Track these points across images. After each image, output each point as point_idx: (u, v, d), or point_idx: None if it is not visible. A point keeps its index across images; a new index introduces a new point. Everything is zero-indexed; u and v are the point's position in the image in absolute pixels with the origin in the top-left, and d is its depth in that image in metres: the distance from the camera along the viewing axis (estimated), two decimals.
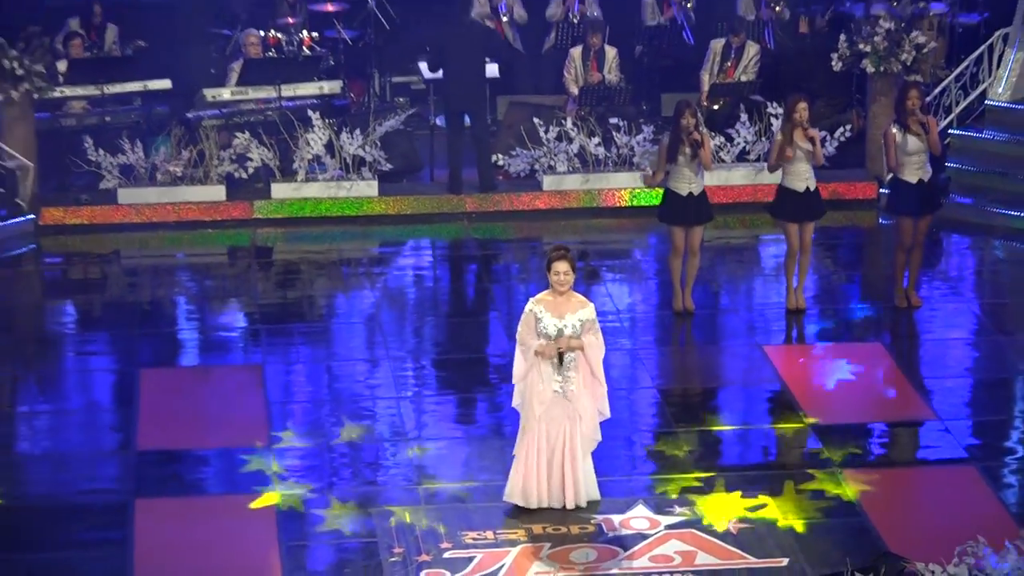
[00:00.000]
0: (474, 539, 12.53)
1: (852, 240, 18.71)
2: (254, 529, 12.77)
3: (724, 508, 12.91)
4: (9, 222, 18.80)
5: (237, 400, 14.96)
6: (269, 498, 13.21)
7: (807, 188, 16.47)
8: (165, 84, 20.58)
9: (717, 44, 20.92)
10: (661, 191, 16.73)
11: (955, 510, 12.91)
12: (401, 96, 21.59)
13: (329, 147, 19.39)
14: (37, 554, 12.54)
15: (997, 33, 20.53)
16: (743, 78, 20.67)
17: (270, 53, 20.88)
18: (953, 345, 16.31)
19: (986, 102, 20.30)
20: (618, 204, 19.53)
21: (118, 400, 15.04)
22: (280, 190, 19.39)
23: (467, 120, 19.57)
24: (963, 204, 18.98)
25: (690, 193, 16.40)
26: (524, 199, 19.57)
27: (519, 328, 12.67)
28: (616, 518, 12.78)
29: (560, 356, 12.56)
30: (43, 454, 14.14)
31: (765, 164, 18.80)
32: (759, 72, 20.76)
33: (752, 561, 12.24)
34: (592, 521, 12.72)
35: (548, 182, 19.62)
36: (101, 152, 19.25)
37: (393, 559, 12.28)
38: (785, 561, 12.23)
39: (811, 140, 16.23)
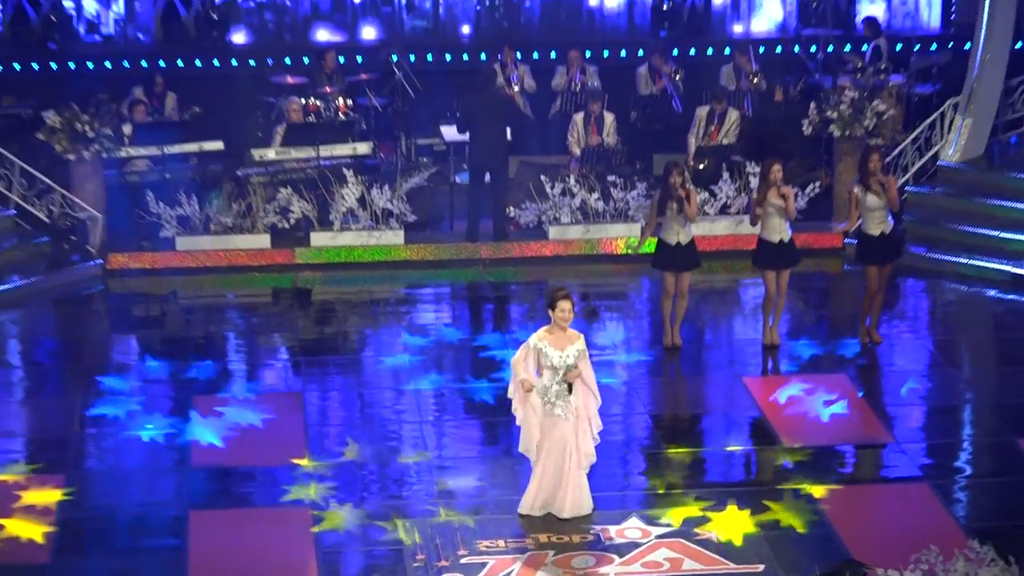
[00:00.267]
0: (487, 547, 12.53)
1: (821, 284, 18.72)
2: (294, 538, 12.76)
3: (707, 519, 12.94)
4: (81, 266, 18.84)
5: (279, 423, 14.95)
6: (307, 510, 13.24)
7: (780, 240, 16.51)
8: (218, 145, 20.58)
9: (702, 111, 20.97)
10: (655, 241, 16.78)
11: (910, 522, 12.88)
12: (424, 156, 21.63)
13: (361, 201, 19.43)
14: (105, 559, 12.58)
15: (948, 102, 20.57)
16: (725, 141, 20.71)
17: (310, 118, 20.92)
18: (909, 377, 16.25)
19: (938, 163, 20.33)
20: (615, 252, 19.56)
21: (174, 423, 15.03)
22: (318, 239, 19.44)
23: (487, 177, 19.61)
24: (918, 253, 18.97)
25: (678, 243, 16.41)
26: (533, 247, 19.60)
27: (516, 355, 12.76)
28: (612, 528, 12.78)
29: (569, 386, 12.65)
30: (109, 470, 14.13)
31: (745, 216, 18.92)
32: (739, 135, 20.80)
33: (732, 567, 12.23)
34: (591, 531, 12.71)
35: (554, 232, 19.66)
36: (162, 205, 19.28)
37: (416, 564, 12.27)
38: (761, 567, 12.21)
39: (783, 197, 16.28)
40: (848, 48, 23.17)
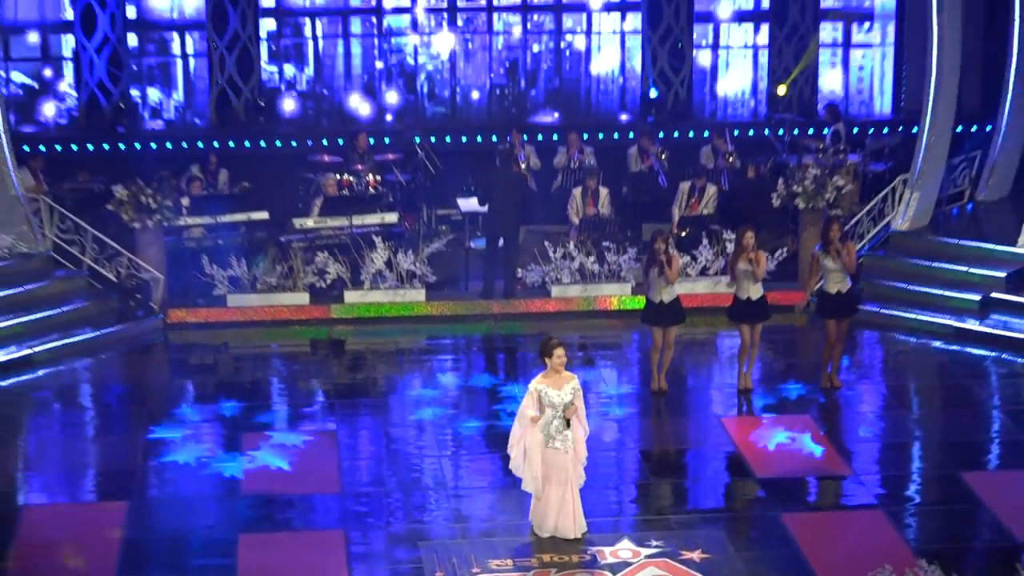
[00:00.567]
0: (497, 565, 12.50)
1: (788, 336, 18.69)
2: (329, 557, 12.75)
3: (692, 541, 12.95)
4: (144, 320, 18.85)
5: (316, 457, 14.94)
6: (340, 533, 13.24)
7: (748, 297, 16.52)
8: (264, 215, 20.62)
9: (684, 185, 21.00)
10: (644, 298, 16.81)
11: (867, 544, 12.86)
12: (443, 225, 21.66)
13: (388, 264, 19.44)
14: (163, 575, 12.58)
15: (898, 178, 20.60)
16: (705, 212, 20.74)
17: (344, 192, 20.95)
18: (866, 417, 16.25)
19: (890, 231, 20.35)
20: (609, 308, 19.56)
21: (225, 456, 15.02)
22: (351, 296, 19.44)
23: (500, 242, 19.65)
24: (873, 309, 18.95)
25: (661, 301, 16.43)
26: (537, 304, 19.59)
27: (523, 402, 12.83)
28: (607, 549, 12.76)
29: (567, 421, 12.70)
30: (168, 497, 14.13)
31: (722, 277, 18.95)
32: (717, 207, 20.82)
33: None
34: (588, 552, 12.69)
35: (556, 291, 19.66)
36: (215, 267, 19.29)
37: None
38: None
39: (751, 262, 16.32)
40: (811, 131, 23.23)
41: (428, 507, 13.80)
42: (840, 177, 20.01)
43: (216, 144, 22.84)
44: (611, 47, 25.02)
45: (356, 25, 24.76)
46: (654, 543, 12.87)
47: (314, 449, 15.16)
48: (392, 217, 20.53)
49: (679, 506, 13.92)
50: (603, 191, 20.92)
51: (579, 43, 25.08)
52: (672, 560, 12.57)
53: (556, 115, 24.62)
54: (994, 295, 18.85)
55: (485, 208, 19.84)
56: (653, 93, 24.49)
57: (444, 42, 24.55)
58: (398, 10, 24.67)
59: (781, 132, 23.20)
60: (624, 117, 24.71)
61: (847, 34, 25.22)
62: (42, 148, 22.41)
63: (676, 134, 24.03)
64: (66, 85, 24.03)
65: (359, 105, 24.30)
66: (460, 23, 24.80)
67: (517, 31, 24.94)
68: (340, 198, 20.63)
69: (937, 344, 18.33)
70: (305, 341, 18.95)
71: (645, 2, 24.45)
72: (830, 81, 25.25)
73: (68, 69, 23.99)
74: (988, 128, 22.13)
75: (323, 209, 20.37)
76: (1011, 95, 21.11)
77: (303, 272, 19.41)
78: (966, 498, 13.90)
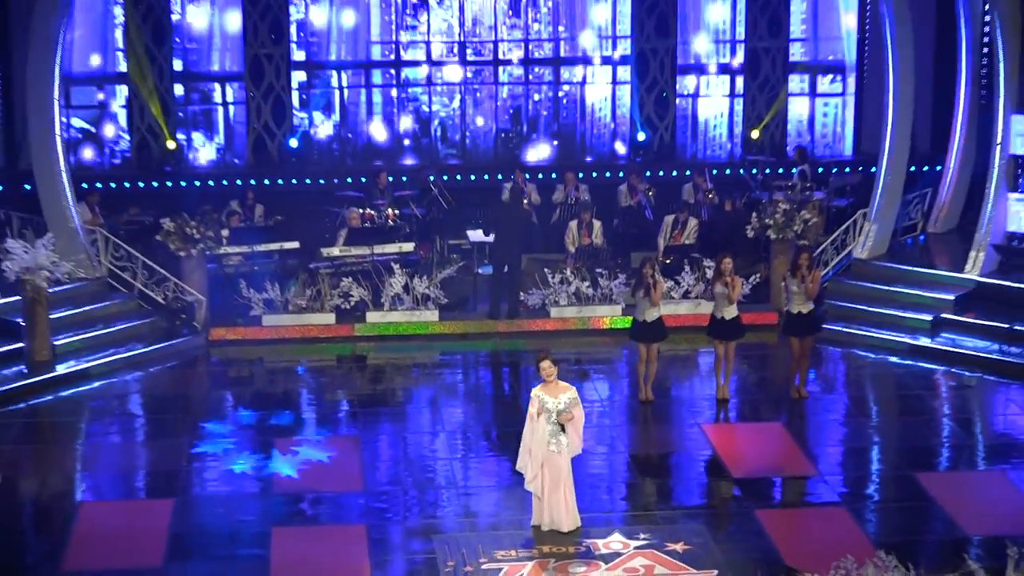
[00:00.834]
0: (502, 556, 12.49)
1: (760, 352, 18.66)
2: (353, 548, 12.75)
3: (676, 534, 12.93)
4: (189, 338, 18.84)
5: (342, 459, 14.93)
6: (363, 527, 13.22)
7: (722, 317, 16.53)
8: (295, 244, 20.62)
9: (669, 218, 20.97)
10: (631, 318, 16.81)
11: (831, 537, 12.83)
12: (454, 253, 21.66)
13: (405, 288, 19.41)
14: (205, 564, 12.57)
15: (858, 212, 20.60)
16: (687, 242, 20.71)
17: (366, 224, 20.97)
18: (830, 424, 16.21)
19: (851, 258, 20.36)
20: (602, 327, 19.55)
21: (260, 458, 15.02)
22: (372, 317, 19.42)
23: (505, 268, 19.65)
24: (836, 328, 18.94)
25: (644, 320, 16.46)
26: (538, 323, 19.54)
27: (529, 407, 12.88)
28: (600, 541, 12.75)
29: (562, 426, 12.70)
30: (209, 495, 14.12)
31: (702, 300, 18.93)
32: (698, 238, 20.81)
33: (693, 572, 12.20)
34: (583, 543, 12.69)
35: (554, 312, 19.62)
36: (251, 290, 19.27)
37: (447, 570, 12.26)
38: (715, 572, 12.19)
39: (726, 285, 16.32)
40: (781, 171, 23.24)
41: (441, 504, 13.79)
42: (807, 211, 19.99)
43: (253, 182, 22.83)
44: (604, 96, 25.07)
45: (377, 77, 24.80)
46: (642, 536, 12.87)
47: (339, 452, 15.15)
48: (409, 247, 20.53)
49: (664, 503, 13.89)
50: (596, 224, 20.93)
51: (575, 92, 25.12)
52: (658, 551, 12.57)
53: (553, 153, 24.66)
54: (944, 316, 18.85)
55: (492, 238, 19.86)
56: (641, 136, 24.54)
57: (453, 73, 24.60)
58: (414, 63, 24.73)
59: (755, 171, 23.24)
60: (621, 151, 24.72)
61: (813, 85, 25.23)
62: (99, 185, 22.40)
63: (661, 173, 24.06)
64: (120, 130, 24.08)
65: (380, 152, 24.34)
66: (470, 75, 24.85)
67: (520, 82, 24.98)
68: (363, 229, 20.64)
69: (893, 359, 18.30)
70: (332, 356, 18.93)
71: (634, 56, 24.52)
72: (798, 126, 25.27)
73: (122, 116, 24.05)
74: (938, 168, 22.15)
75: (348, 239, 20.36)
76: (958, 140, 21.15)
77: (330, 295, 19.40)
78: (919, 496, 13.89)
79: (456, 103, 24.95)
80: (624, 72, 24.77)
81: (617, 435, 15.83)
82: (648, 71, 24.46)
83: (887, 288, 19.62)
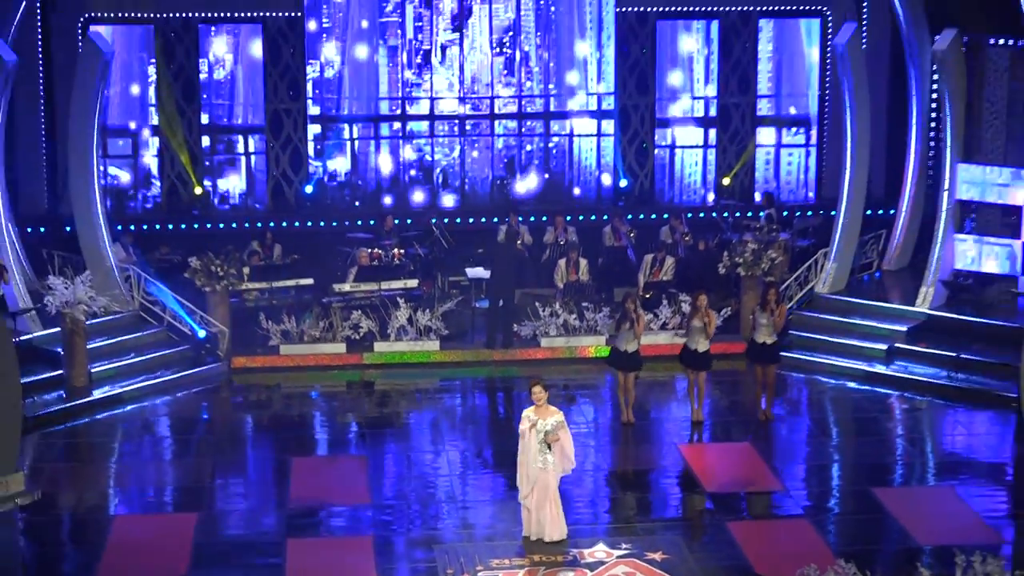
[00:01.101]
0: (497, 564, 12.47)
1: (731, 378, 18.62)
2: (361, 557, 12.71)
3: (654, 544, 12.88)
4: (213, 365, 18.80)
5: (351, 476, 14.90)
6: (370, 538, 13.17)
7: (695, 349, 16.52)
8: (309, 281, 20.61)
9: (648, 257, 20.93)
10: (610, 348, 16.83)
11: (796, 547, 12.80)
12: (454, 289, 21.64)
13: (410, 320, 19.40)
14: (227, 572, 12.52)
15: (820, 251, 20.59)
16: (664, 278, 20.67)
17: (374, 263, 20.98)
18: (794, 444, 16.21)
19: (813, 293, 20.37)
20: (588, 356, 19.50)
21: (277, 476, 14.99)
22: (380, 347, 19.35)
23: (500, 303, 19.63)
24: (800, 356, 18.92)
25: (625, 350, 16.46)
26: (529, 352, 19.47)
27: (520, 424, 12.87)
28: (585, 550, 12.73)
29: (548, 445, 12.68)
30: (230, 509, 14.10)
31: (679, 331, 18.90)
32: (675, 275, 20.81)
33: None
34: (570, 552, 12.66)
35: (544, 342, 19.57)
36: (270, 322, 19.25)
37: None
38: None
39: (703, 320, 16.34)
40: (750, 214, 23.27)
41: (441, 516, 13.76)
42: (773, 251, 20.01)
43: (272, 224, 22.88)
44: (589, 147, 25.17)
45: (385, 129, 24.89)
46: (624, 546, 12.84)
47: (348, 469, 15.11)
48: (413, 283, 20.53)
49: (644, 516, 13.86)
50: (583, 262, 20.92)
51: (564, 143, 25.21)
52: (638, 560, 12.54)
53: (540, 184, 24.74)
54: (897, 345, 18.84)
55: (488, 275, 19.86)
56: (623, 183, 24.63)
57: (453, 126, 24.67)
58: (418, 117, 24.82)
59: (726, 215, 23.24)
60: (605, 197, 24.77)
61: (778, 136, 25.37)
62: (132, 227, 22.45)
63: (641, 216, 24.13)
64: (152, 177, 24.16)
65: (387, 197, 24.40)
66: (468, 127, 24.94)
67: (514, 134, 25.09)
68: (371, 267, 20.63)
69: (852, 385, 18.28)
70: (342, 382, 18.90)
71: (616, 111, 24.64)
72: (765, 174, 25.36)
73: (154, 164, 24.12)
74: (892, 212, 22.19)
75: (357, 276, 20.36)
76: (910, 186, 21.22)
77: (341, 326, 19.38)
78: (876, 509, 13.86)
79: (456, 153, 25.04)
80: (608, 125, 24.87)
81: (601, 454, 15.81)
82: (629, 124, 24.59)
83: (846, 320, 19.62)
